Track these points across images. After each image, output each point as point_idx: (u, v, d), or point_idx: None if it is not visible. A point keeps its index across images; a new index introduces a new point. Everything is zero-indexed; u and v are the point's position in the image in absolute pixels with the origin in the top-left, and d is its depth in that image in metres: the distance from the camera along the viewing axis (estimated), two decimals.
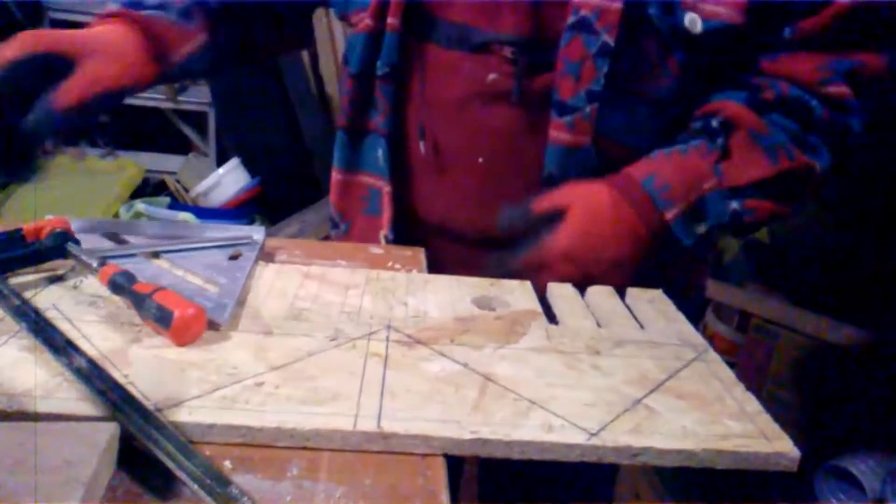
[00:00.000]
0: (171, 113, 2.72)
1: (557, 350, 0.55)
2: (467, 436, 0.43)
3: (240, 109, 2.41)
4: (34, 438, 0.37)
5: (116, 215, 2.20)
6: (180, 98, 2.60)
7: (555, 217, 0.68)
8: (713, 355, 0.57)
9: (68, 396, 0.43)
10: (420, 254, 0.76)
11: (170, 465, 0.38)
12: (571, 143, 0.71)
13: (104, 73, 0.66)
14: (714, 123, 0.70)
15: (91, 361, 0.45)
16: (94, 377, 0.44)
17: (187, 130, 2.75)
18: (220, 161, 2.50)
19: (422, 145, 0.78)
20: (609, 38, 0.67)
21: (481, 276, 0.68)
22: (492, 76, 0.72)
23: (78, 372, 0.44)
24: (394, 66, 0.75)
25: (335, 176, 0.85)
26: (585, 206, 0.69)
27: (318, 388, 0.47)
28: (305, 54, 2.57)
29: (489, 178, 0.76)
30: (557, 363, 0.53)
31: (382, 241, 0.80)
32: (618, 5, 0.67)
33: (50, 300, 0.56)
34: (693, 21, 0.67)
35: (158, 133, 2.81)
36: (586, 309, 0.63)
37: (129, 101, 2.57)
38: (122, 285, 0.53)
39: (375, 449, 0.43)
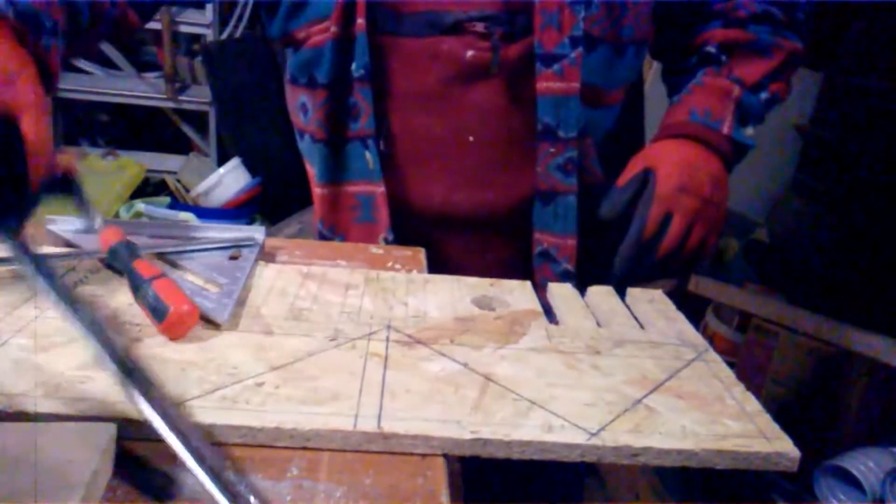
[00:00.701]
0: (171, 113, 2.72)
1: (557, 350, 0.55)
2: (467, 436, 0.43)
3: (240, 109, 2.41)
4: (34, 438, 0.37)
5: (117, 215, 2.20)
6: (181, 98, 2.60)
7: (645, 179, 0.73)
8: (713, 355, 0.57)
9: (68, 396, 0.43)
10: (420, 254, 0.76)
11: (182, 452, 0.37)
12: (563, 90, 0.74)
13: (45, 121, 0.54)
14: (710, 49, 0.81)
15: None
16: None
17: (188, 130, 2.75)
18: (221, 161, 2.50)
19: (396, 140, 0.79)
20: None
21: (522, 260, 0.72)
22: (469, 53, 0.74)
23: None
24: (368, 66, 0.75)
25: (319, 191, 0.84)
26: (666, 155, 0.76)
27: (318, 388, 0.47)
28: None
29: (483, 155, 0.78)
30: (557, 363, 0.53)
31: (382, 244, 0.80)
32: None
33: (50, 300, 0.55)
34: None
35: (159, 133, 2.82)
36: (586, 309, 0.63)
37: (130, 101, 2.54)
38: (121, 256, 0.51)
39: (375, 449, 0.43)
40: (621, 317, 0.62)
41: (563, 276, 0.77)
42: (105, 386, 0.45)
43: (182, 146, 2.77)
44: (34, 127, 0.52)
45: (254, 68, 2.40)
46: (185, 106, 2.63)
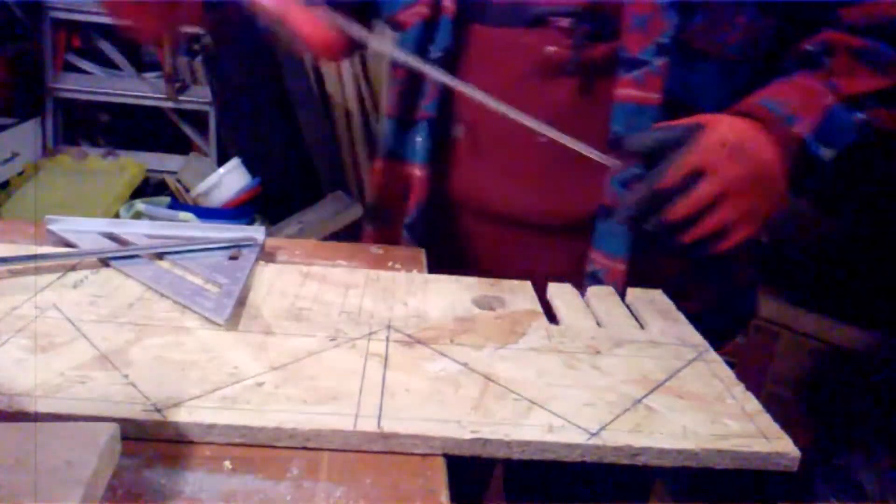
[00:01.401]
0: (171, 112, 2.72)
1: (557, 350, 0.55)
2: (467, 436, 0.43)
3: (240, 109, 2.41)
4: (34, 438, 0.37)
5: (117, 215, 2.19)
6: (181, 98, 2.60)
7: (690, 132, 0.62)
8: (713, 355, 0.57)
9: (68, 396, 0.43)
10: (420, 254, 0.76)
11: None
12: (641, 99, 0.69)
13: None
14: (809, 48, 0.69)
15: None
16: None
17: (188, 130, 2.75)
18: (221, 161, 2.50)
19: (460, 130, 0.77)
20: None
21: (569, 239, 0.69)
22: (549, 49, 0.71)
23: None
24: (447, 50, 0.74)
25: (377, 164, 0.83)
26: (720, 118, 0.65)
27: (318, 388, 0.47)
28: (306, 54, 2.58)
29: (550, 157, 0.74)
30: (557, 363, 0.53)
31: (404, 231, 0.79)
32: None
33: (50, 300, 0.56)
34: None
35: (159, 133, 2.82)
36: (586, 309, 0.63)
37: (130, 101, 2.55)
38: None
39: (375, 449, 0.43)
40: (621, 317, 0.62)
41: None
42: (105, 386, 0.45)
43: (182, 146, 2.76)
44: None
45: (254, 68, 2.40)
46: (185, 106, 2.63)
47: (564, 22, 0.70)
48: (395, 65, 0.82)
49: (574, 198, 0.75)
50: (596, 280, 0.72)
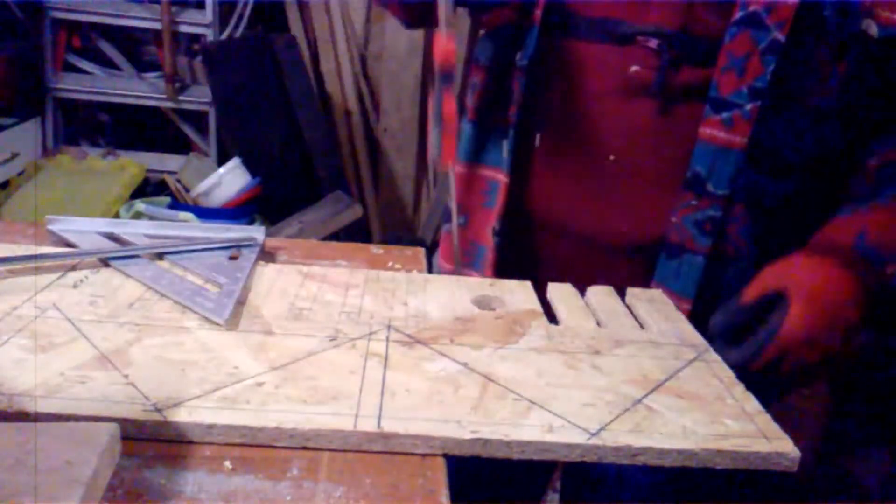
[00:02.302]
0: (171, 112, 2.72)
1: (557, 350, 0.55)
2: (467, 436, 0.43)
3: (240, 109, 2.40)
4: (34, 438, 0.37)
5: (117, 215, 2.19)
6: (181, 98, 2.60)
7: (773, 303, 0.64)
8: (713, 355, 0.57)
9: (68, 396, 0.43)
10: (420, 254, 0.76)
11: None
12: (726, 142, 0.67)
13: None
14: None
15: None
16: None
17: (188, 130, 2.75)
18: (221, 161, 2.50)
19: (537, 139, 0.76)
20: (780, 35, 0.65)
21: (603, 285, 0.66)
22: (633, 68, 0.70)
23: None
24: (532, 59, 0.74)
25: (458, 168, 0.83)
26: (806, 286, 0.65)
27: (318, 388, 0.47)
28: (306, 54, 2.58)
29: (616, 178, 0.73)
30: (557, 363, 0.53)
31: (490, 236, 0.78)
32: (793, 0, 0.64)
33: (50, 300, 0.56)
34: (869, 26, 0.65)
35: (159, 133, 2.81)
36: (586, 309, 0.63)
37: (130, 101, 2.55)
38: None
39: (375, 449, 0.43)
40: (621, 317, 0.62)
41: None
42: (105, 386, 0.45)
43: (182, 146, 2.76)
44: None
45: (254, 68, 2.40)
46: (185, 106, 2.63)
47: (653, 43, 0.69)
48: (475, 69, 0.81)
49: (640, 219, 0.74)
50: None
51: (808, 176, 0.72)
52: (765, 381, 0.62)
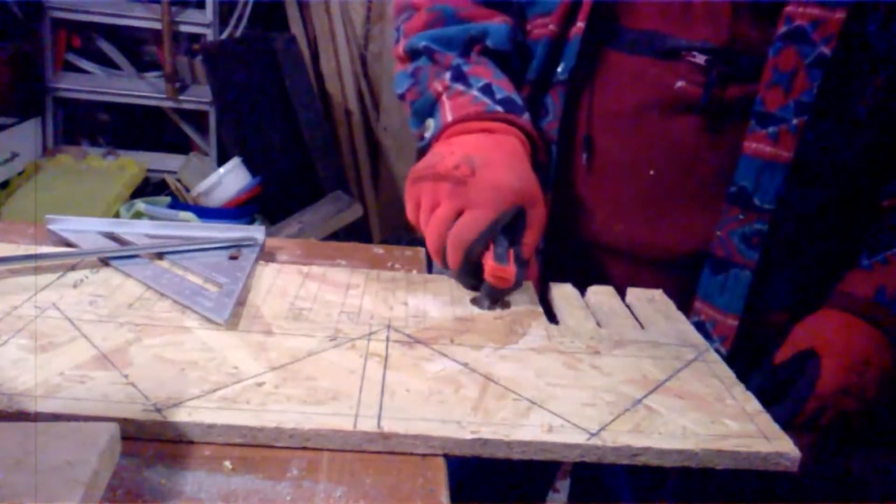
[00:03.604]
0: (171, 112, 2.72)
1: (557, 350, 0.55)
2: (467, 436, 0.43)
3: (240, 109, 2.41)
4: (34, 438, 0.37)
5: (117, 215, 2.20)
6: (181, 97, 2.60)
7: (805, 361, 0.67)
8: (713, 355, 0.57)
9: (68, 396, 0.43)
10: (420, 254, 0.76)
11: None
12: (772, 156, 0.67)
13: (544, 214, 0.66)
14: None
15: None
16: None
17: (188, 130, 2.75)
18: (221, 161, 2.50)
19: (584, 156, 0.75)
20: (826, 49, 0.64)
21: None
22: (679, 83, 0.69)
23: None
24: (573, 70, 0.73)
25: None
26: (834, 341, 0.68)
27: (318, 388, 0.47)
28: (306, 54, 2.58)
29: (657, 192, 0.73)
30: (557, 363, 0.53)
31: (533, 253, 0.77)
32: (839, 16, 0.64)
33: (50, 299, 0.56)
34: None
35: (159, 132, 2.82)
36: (586, 309, 0.63)
37: (130, 101, 2.55)
38: None
39: (375, 449, 0.43)
40: (621, 317, 0.62)
41: None
42: (105, 386, 0.45)
43: (182, 146, 2.77)
44: (539, 217, 0.65)
45: (254, 68, 2.40)
46: (185, 106, 2.63)
47: (699, 58, 0.68)
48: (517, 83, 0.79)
49: (680, 234, 0.73)
50: (703, 332, 0.70)
51: (840, 188, 0.72)
52: (817, 442, 0.67)
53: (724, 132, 0.69)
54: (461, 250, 0.61)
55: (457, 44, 0.76)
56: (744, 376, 0.58)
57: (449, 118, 0.70)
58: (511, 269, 0.60)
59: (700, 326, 0.72)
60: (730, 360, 0.69)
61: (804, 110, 0.65)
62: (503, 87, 0.72)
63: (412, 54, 0.79)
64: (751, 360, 0.69)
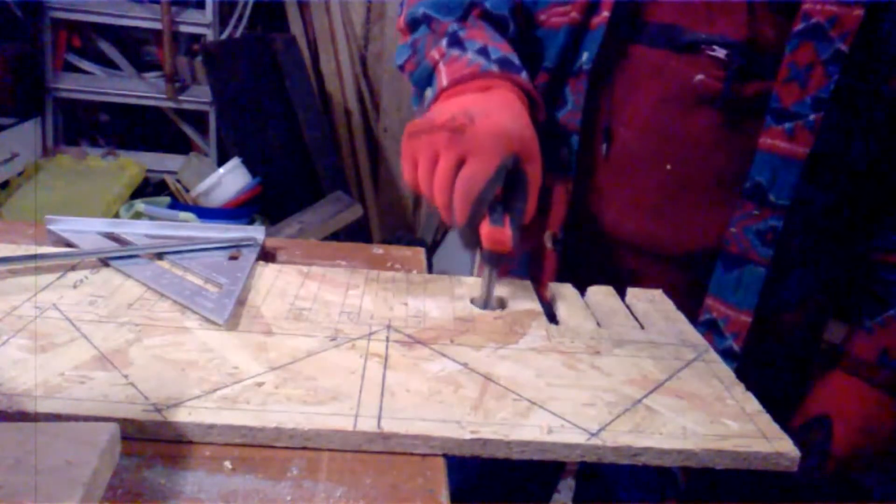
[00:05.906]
0: (171, 112, 2.72)
1: (557, 350, 0.55)
2: (467, 436, 0.43)
3: (240, 109, 2.41)
4: (34, 438, 0.37)
5: (117, 215, 2.19)
6: (181, 98, 2.60)
7: (819, 426, 0.73)
8: (713, 355, 0.57)
9: (68, 396, 0.43)
10: (420, 254, 0.76)
11: None
12: (788, 152, 0.67)
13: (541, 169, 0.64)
14: None
15: None
16: None
17: (188, 130, 2.75)
18: (221, 161, 2.50)
19: (604, 147, 0.74)
20: (843, 46, 0.64)
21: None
22: (698, 77, 0.69)
23: None
24: (595, 61, 0.72)
25: None
26: (845, 405, 0.74)
27: (318, 388, 0.47)
28: (306, 54, 2.58)
29: (673, 187, 0.72)
30: (557, 363, 0.53)
31: (548, 243, 0.77)
32: (858, 13, 0.63)
33: (50, 300, 0.56)
34: None
35: (159, 133, 2.82)
36: (586, 309, 0.63)
37: (130, 101, 2.55)
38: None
39: (375, 449, 0.43)
40: (621, 317, 0.62)
41: (725, 355, 0.70)
42: (105, 386, 0.45)
43: (182, 146, 2.76)
44: (537, 174, 0.63)
45: (254, 68, 2.40)
46: (185, 106, 2.63)
47: (720, 52, 0.68)
48: (534, 74, 0.78)
49: (694, 229, 0.73)
50: (714, 328, 0.71)
51: (855, 184, 0.72)
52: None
53: (741, 128, 0.69)
54: (469, 202, 0.59)
55: (455, 8, 0.75)
56: (756, 373, 0.58)
57: (444, 83, 0.69)
58: (507, 232, 0.59)
59: (712, 323, 0.72)
60: (742, 357, 0.70)
61: (820, 106, 0.65)
62: (500, 49, 0.71)
63: (412, 24, 0.78)
64: (763, 357, 0.69)
